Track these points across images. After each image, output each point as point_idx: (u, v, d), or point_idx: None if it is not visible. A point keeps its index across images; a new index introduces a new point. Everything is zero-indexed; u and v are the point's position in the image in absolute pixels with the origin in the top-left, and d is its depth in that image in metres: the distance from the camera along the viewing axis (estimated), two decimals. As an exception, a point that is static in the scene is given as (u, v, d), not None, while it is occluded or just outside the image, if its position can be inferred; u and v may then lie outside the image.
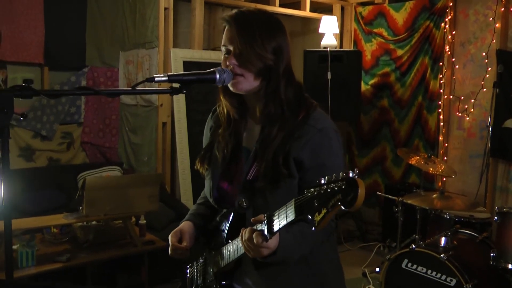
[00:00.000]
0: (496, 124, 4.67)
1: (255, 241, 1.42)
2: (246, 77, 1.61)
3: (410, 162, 4.39)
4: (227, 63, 1.62)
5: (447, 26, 5.24)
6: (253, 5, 5.58)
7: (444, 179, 5.22)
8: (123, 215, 3.57)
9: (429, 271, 3.47)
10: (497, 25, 4.80)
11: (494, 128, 4.64)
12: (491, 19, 4.87)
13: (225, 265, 1.71)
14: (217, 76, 1.61)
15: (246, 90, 1.64)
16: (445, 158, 5.28)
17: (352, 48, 6.16)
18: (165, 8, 4.91)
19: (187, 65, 5.00)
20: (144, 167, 5.12)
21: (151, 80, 1.66)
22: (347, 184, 1.17)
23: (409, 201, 4.08)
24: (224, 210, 1.78)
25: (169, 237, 1.80)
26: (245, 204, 1.65)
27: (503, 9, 4.75)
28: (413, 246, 3.55)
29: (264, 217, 1.44)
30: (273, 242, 1.45)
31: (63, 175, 4.91)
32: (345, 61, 5.34)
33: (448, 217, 3.96)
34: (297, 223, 1.41)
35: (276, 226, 1.40)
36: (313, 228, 1.23)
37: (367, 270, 4.72)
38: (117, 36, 5.37)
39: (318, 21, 5.75)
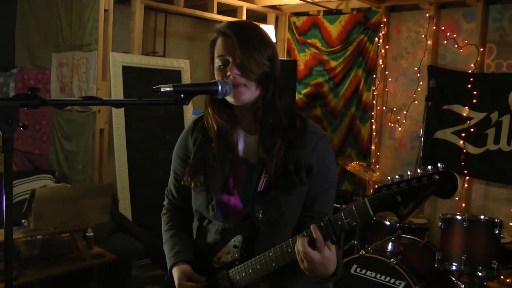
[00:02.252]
0: (428, 135, 4.97)
1: (329, 250, 1.44)
2: (249, 86, 1.61)
3: (348, 169, 4.55)
4: (228, 73, 1.60)
5: (380, 40, 5.51)
6: (191, 11, 5.55)
7: (376, 186, 5.47)
8: (73, 228, 3.38)
9: (378, 276, 3.60)
10: (428, 42, 5.13)
11: (426, 139, 4.93)
12: (423, 36, 5.19)
13: (253, 281, 1.65)
14: (220, 87, 1.58)
15: (248, 100, 1.63)
16: (377, 166, 5.53)
17: (285, 58, 6.29)
18: (105, 10, 4.73)
19: (126, 70, 4.86)
20: (79, 176, 4.89)
21: (157, 90, 1.59)
22: (442, 177, 1.30)
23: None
24: (224, 225, 1.72)
25: (180, 286, 1.70)
26: (260, 216, 1.64)
27: (434, 27, 5.08)
28: (363, 252, 3.67)
29: (325, 221, 1.45)
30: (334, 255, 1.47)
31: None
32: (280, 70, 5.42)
33: (389, 223, 4.14)
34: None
35: (344, 228, 1.43)
36: (400, 221, 1.34)
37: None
38: (50, 36, 5.09)
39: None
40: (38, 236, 3.39)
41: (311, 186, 1.65)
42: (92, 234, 3.65)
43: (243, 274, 1.65)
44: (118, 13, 5.19)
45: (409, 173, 1.36)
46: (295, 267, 1.51)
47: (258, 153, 1.67)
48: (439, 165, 1.31)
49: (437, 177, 1.30)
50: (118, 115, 4.77)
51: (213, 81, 1.59)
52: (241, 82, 1.59)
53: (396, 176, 1.36)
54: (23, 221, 3.33)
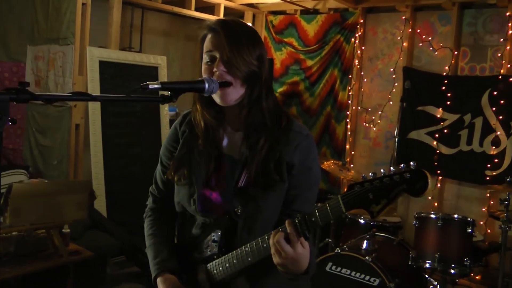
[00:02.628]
0: (402, 135, 5.07)
1: (302, 247, 1.46)
2: (235, 85, 1.62)
3: (323, 167, 4.59)
4: (214, 69, 1.60)
5: (357, 41, 5.58)
6: (169, 8, 5.53)
7: (351, 185, 5.55)
8: (50, 225, 3.33)
9: (353, 273, 3.65)
10: (404, 44, 5.23)
11: (400, 139, 5.03)
12: (399, 38, 5.29)
13: (230, 275, 1.67)
14: (206, 86, 1.59)
15: (234, 100, 1.64)
16: (352, 165, 5.61)
17: (262, 56, 6.30)
18: (83, 4, 4.67)
19: (103, 64, 4.81)
20: (54, 171, 4.82)
21: (145, 87, 1.59)
22: (413, 175, 1.32)
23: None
24: (204, 219, 1.73)
25: None
26: (239, 212, 1.65)
27: (410, 30, 5.18)
28: (338, 250, 3.72)
29: (299, 217, 1.46)
30: (307, 252, 1.49)
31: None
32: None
33: (363, 221, 4.21)
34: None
35: (317, 225, 1.45)
36: (372, 218, 1.35)
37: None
38: (25, 29, 4.99)
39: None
40: (14, 233, 3.33)
41: (292, 184, 1.66)
42: (68, 230, 3.61)
43: (220, 268, 1.67)
44: (95, 7, 5.13)
45: (382, 170, 1.38)
46: (271, 264, 1.52)
47: (241, 149, 1.69)
48: (411, 163, 1.34)
49: (408, 175, 1.33)
50: (95, 110, 4.72)
51: (200, 79, 1.59)
52: (227, 79, 1.60)
53: (370, 174, 1.38)
54: (-1, 217, 3.28)
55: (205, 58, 1.64)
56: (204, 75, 1.63)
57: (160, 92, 1.62)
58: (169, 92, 1.56)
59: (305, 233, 1.45)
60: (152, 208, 1.93)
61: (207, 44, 1.65)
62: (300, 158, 1.66)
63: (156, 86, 1.55)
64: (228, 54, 1.59)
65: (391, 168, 1.37)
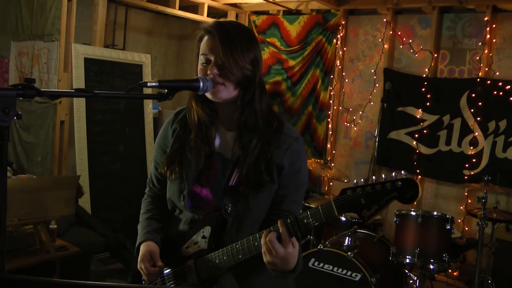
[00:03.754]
0: (382, 135, 5.19)
1: (292, 247, 1.50)
2: (226, 86, 1.67)
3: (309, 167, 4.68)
4: (208, 72, 1.66)
5: (338, 42, 5.68)
6: (153, 6, 5.54)
7: (331, 183, 5.67)
8: (38, 220, 3.34)
9: (335, 268, 3.74)
10: (385, 46, 5.35)
11: (380, 139, 5.15)
12: (380, 40, 5.41)
13: (218, 271, 1.72)
14: (201, 84, 1.65)
15: (224, 98, 1.69)
16: (333, 164, 5.71)
17: (244, 55, 6.35)
18: (68, 0, 4.67)
19: (88, 62, 4.82)
20: (38, 168, 4.80)
21: (144, 85, 1.65)
22: (404, 184, 1.39)
23: (312, 204, 4.36)
24: (193, 216, 1.79)
25: (140, 264, 1.75)
26: (229, 210, 1.70)
27: (391, 32, 5.31)
28: (321, 246, 3.81)
29: (291, 218, 1.51)
30: (296, 251, 1.55)
31: None
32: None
33: (344, 219, 4.30)
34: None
35: (309, 226, 1.50)
36: (363, 222, 1.42)
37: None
38: (9, 24, 4.97)
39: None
40: (1, 228, 3.33)
41: (281, 185, 1.72)
42: (55, 226, 3.62)
43: (210, 264, 1.71)
44: (79, 4, 5.13)
45: (374, 178, 1.45)
46: (259, 262, 1.58)
47: (233, 149, 1.74)
48: (402, 172, 1.42)
49: (400, 183, 1.39)
50: (80, 107, 4.72)
51: (195, 78, 1.64)
52: (219, 81, 1.65)
53: (362, 180, 1.46)
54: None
55: (201, 60, 1.69)
56: (200, 75, 1.68)
57: (158, 90, 1.67)
58: (166, 90, 1.62)
59: (297, 233, 1.50)
60: (149, 195, 2.00)
61: (203, 46, 1.70)
62: (290, 161, 1.73)
63: (154, 84, 1.61)
64: (222, 58, 1.64)
65: (383, 176, 1.43)
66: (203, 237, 1.74)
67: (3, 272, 1.44)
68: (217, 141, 1.80)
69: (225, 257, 1.67)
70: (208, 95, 1.69)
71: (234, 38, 1.67)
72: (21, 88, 1.40)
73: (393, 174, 1.43)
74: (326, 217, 1.48)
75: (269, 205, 1.74)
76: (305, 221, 1.50)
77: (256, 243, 1.59)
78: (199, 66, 1.70)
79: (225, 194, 1.72)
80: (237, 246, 1.63)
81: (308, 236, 4.72)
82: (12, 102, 1.41)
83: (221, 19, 1.82)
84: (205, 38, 1.70)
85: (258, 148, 1.70)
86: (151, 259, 1.76)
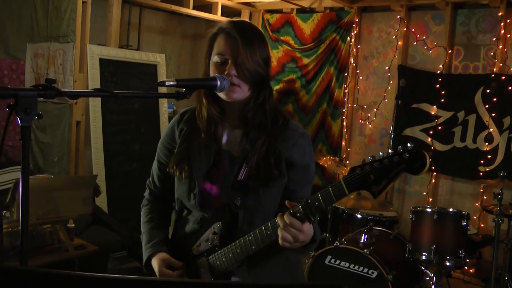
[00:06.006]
0: (397, 132, 5.17)
1: (306, 226, 1.53)
2: (242, 87, 1.69)
3: (321, 163, 4.67)
4: (226, 72, 1.67)
5: (352, 40, 5.68)
6: (167, 6, 5.57)
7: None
8: (57, 219, 3.39)
9: (351, 265, 3.75)
10: (399, 43, 5.33)
11: (395, 136, 5.13)
12: (394, 37, 5.39)
13: (232, 265, 1.73)
14: (218, 83, 1.66)
15: (238, 99, 1.72)
16: (347, 161, 5.71)
17: (258, 54, 6.37)
18: (83, 2, 4.72)
19: (103, 62, 4.87)
20: (54, 168, 4.86)
21: (161, 84, 1.68)
22: (412, 155, 1.39)
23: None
24: (202, 215, 1.80)
25: (161, 273, 1.75)
26: (239, 204, 1.72)
27: (405, 29, 5.29)
28: (337, 243, 3.82)
29: (302, 201, 1.53)
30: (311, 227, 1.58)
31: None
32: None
33: (360, 216, 4.31)
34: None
35: (321, 208, 1.52)
36: (374, 197, 1.45)
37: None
38: (24, 26, 5.02)
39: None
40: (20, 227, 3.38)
41: (291, 180, 1.75)
42: (73, 225, 3.66)
43: (223, 259, 1.73)
44: (93, 5, 5.18)
45: (380, 153, 1.46)
46: (268, 254, 1.64)
47: (241, 145, 1.77)
48: (408, 144, 1.42)
49: (407, 155, 1.39)
50: (95, 107, 4.78)
51: (212, 76, 1.66)
52: (235, 83, 1.67)
53: (369, 157, 1.46)
54: (4, 212, 3.32)
55: (216, 59, 1.70)
56: (212, 74, 1.70)
57: (176, 89, 1.69)
58: (184, 89, 1.65)
59: (309, 217, 1.52)
60: (149, 199, 2.00)
61: (219, 46, 1.71)
62: (298, 155, 1.76)
63: (171, 83, 1.64)
64: (243, 59, 1.66)
65: (389, 150, 1.45)
66: (214, 233, 1.76)
67: (27, 266, 1.48)
68: (224, 139, 1.82)
69: (238, 250, 1.69)
70: (221, 95, 1.71)
71: (252, 39, 1.70)
72: (42, 89, 1.44)
73: (399, 147, 1.42)
74: (337, 197, 1.49)
75: (279, 199, 1.77)
76: (316, 203, 1.51)
77: (269, 232, 1.61)
78: (214, 65, 1.71)
79: (234, 189, 1.75)
80: (250, 238, 1.65)
81: (324, 234, 4.73)
82: (33, 102, 1.45)
83: (235, 18, 1.84)
84: (221, 37, 1.72)
85: (266, 144, 1.73)
86: (169, 267, 1.77)
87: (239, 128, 1.80)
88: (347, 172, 1.48)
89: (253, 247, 1.65)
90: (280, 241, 1.55)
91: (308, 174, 1.81)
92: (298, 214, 1.52)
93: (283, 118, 1.80)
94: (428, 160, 1.39)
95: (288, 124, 1.79)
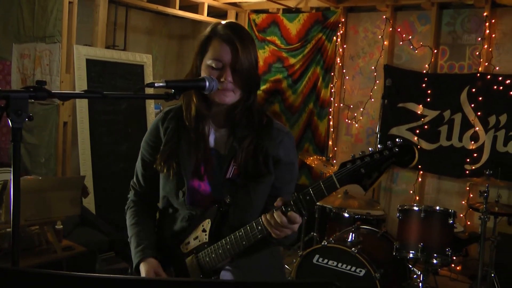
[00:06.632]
0: (383, 131, 5.22)
1: (296, 220, 1.59)
2: (235, 92, 1.73)
3: (308, 163, 4.70)
4: (222, 79, 1.70)
5: (338, 40, 5.71)
6: (154, 6, 5.56)
7: (334, 180, 5.68)
8: (45, 220, 3.37)
9: (339, 264, 3.77)
10: (385, 42, 5.37)
11: (382, 135, 5.17)
12: (380, 37, 5.44)
13: (222, 261, 1.76)
14: (207, 84, 1.68)
15: (231, 103, 1.75)
16: (334, 161, 5.74)
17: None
18: (70, 2, 4.69)
19: (90, 63, 4.84)
20: (41, 169, 4.83)
21: (151, 85, 1.68)
22: (401, 149, 1.45)
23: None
24: (190, 213, 1.82)
25: None
26: (228, 201, 1.76)
27: (390, 29, 5.33)
28: (325, 242, 3.84)
29: (294, 196, 1.58)
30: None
31: None
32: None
33: (347, 215, 4.33)
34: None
35: (312, 202, 1.57)
36: (365, 190, 1.52)
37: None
38: (10, 26, 4.99)
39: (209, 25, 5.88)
40: (8, 229, 3.36)
41: (277, 177, 1.80)
42: (61, 226, 3.64)
43: (213, 256, 1.76)
44: (80, 5, 5.15)
45: (370, 149, 1.51)
46: (257, 244, 1.68)
47: (229, 143, 1.80)
48: (397, 140, 1.47)
49: (397, 149, 1.46)
50: (82, 108, 4.75)
51: (201, 77, 1.68)
52: (230, 88, 1.71)
53: (359, 153, 1.51)
54: (-10, 214, 3.29)
55: (211, 63, 1.71)
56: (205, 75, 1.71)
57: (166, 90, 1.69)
58: (173, 90, 1.65)
59: (301, 210, 1.57)
60: (133, 200, 2.00)
61: (216, 51, 1.72)
62: (284, 153, 1.81)
63: (161, 84, 1.64)
64: (241, 67, 1.70)
65: (378, 145, 1.49)
66: (203, 230, 1.79)
67: (18, 267, 1.48)
68: (211, 137, 1.85)
69: (228, 246, 1.72)
70: (215, 98, 1.73)
71: (248, 45, 1.74)
72: (33, 90, 1.44)
73: (388, 142, 1.47)
74: (328, 190, 1.53)
75: (266, 196, 1.82)
76: (307, 197, 1.56)
77: (259, 227, 1.65)
78: (207, 68, 1.73)
79: (223, 187, 1.79)
80: (240, 234, 1.69)
81: (312, 233, 4.76)
82: (24, 104, 1.45)
83: (223, 21, 1.85)
84: (217, 41, 1.73)
85: (254, 143, 1.77)
86: (157, 274, 1.78)
87: (225, 127, 1.84)
88: (338, 167, 1.53)
89: (244, 243, 1.69)
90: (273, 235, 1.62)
91: (293, 171, 1.87)
92: (289, 209, 1.57)
93: (267, 118, 1.85)
94: (417, 153, 1.44)
95: (273, 124, 1.84)
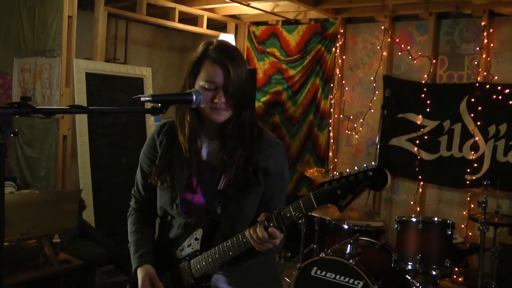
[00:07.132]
0: (383, 142, 5.21)
1: (276, 236, 1.65)
2: (228, 110, 1.78)
3: (307, 175, 4.68)
4: (216, 101, 1.74)
5: (337, 50, 5.72)
6: (153, 20, 5.60)
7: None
8: (41, 234, 3.37)
9: (337, 276, 3.75)
10: (384, 53, 5.38)
11: (382, 146, 5.16)
12: (378, 47, 5.44)
13: (211, 269, 1.83)
14: (194, 97, 1.70)
15: (223, 121, 1.80)
16: (335, 172, 5.71)
17: (245, 66, 6.41)
18: (69, 16, 4.72)
19: (90, 76, 4.87)
20: (42, 183, 4.85)
21: (137, 99, 1.68)
22: (375, 173, 1.52)
23: (313, 213, 4.38)
24: (186, 220, 1.88)
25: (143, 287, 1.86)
26: (219, 212, 1.82)
27: (389, 39, 5.34)
28: (323, 254, 3.82)
29: (275, 213, 1.64)
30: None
31: None
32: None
33: (347, 226, 4.31)
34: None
35: (292, 219, 1.64)
36: (340, 211, 1.57)
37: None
38: (11, 40, 5.02)
39: (210, 38, 5.92)
40: (5, 243, 3.37)
41: (268, 187, 1.85)
42: (59, 240, 3.65)
43: (203, 263, 1.83)
44: (79, 19, 5.19)
45: (347, 170, 1.57)
46: (244, 258, 1.77)
47: (219, 156, 1.85)
48: (372, 163, 1.55)
49: (371, 173, 1.52)
50: (82, 121, 4.77)
51: (188, 91, 1.71)
52: (223, 108, 1.76)
53: (336, 173, 1.57)
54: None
55: (204, 85, 1.74)
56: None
57: (151, 104, 1.70)
58: (159, 104, 1.66)
59: (281, 227, 1.63)
60: (134, 208, 2.07)
61: (209, 73, 1.75)
62: (274, 164, 1.85)
63: (147, 98, 1.65)
64: (233, 88, 1.74)
65: (355, 167, 1.56)
66: (196, 239, 1.87)
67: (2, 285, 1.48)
68: (204, 150, 1.90)
69: (217, 255, 1.80)
70: (208, 115, 1.78)
71: (241, 67, 1.78)
72: (17, 106, 1.45)
73: (364, 165, 1.54)
74: (306, 209, 1.61)
75: (257, 205, 1.87)
76: (288, 214, 1.62)
77: (245, 240, 1.71)
78: (201, 89, 1.75)
79: (215, 198, 1.85)
80: (228, 244, 1.76)
81: (311, 245, 4.74)
82: (8, 120, 1.45)
83: (215, 40, 1.87)
84: (209, 63, 1.76)
85: (245, 154, 1.82)
86: (151, 283, 1.86)
87: (217, 139, 1.88)
88: (316, 187, 1.59)
89: (231, 253, 1.76)
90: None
91: (284, 180, 1.92)
92: (271, 224, 1.63)
93: (258, 129, 1.89)
94: (390, 178, 1.51)
95: (263, 135, 1.88)
